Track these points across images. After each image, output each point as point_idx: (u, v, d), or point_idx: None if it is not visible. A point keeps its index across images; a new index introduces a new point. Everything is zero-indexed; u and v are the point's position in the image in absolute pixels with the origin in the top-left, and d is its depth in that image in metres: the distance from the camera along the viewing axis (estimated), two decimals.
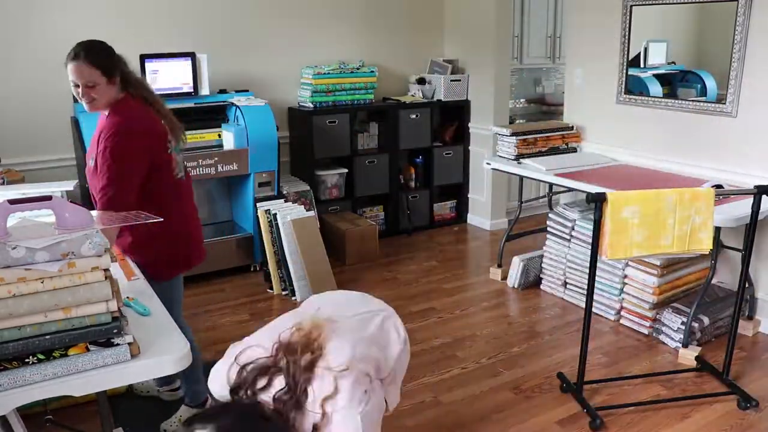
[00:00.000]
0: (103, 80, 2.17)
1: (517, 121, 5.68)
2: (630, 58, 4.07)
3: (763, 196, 2.68)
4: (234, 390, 1.50)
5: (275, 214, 3.96)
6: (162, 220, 2.00)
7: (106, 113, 2.26)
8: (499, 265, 4.32)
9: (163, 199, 2.30)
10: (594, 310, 3.47)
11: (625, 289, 3.54)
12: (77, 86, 2.18)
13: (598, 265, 3.18)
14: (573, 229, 3.80)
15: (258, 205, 4.11)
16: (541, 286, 4.11)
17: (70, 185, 2.56)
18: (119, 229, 2.24)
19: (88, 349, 1.43)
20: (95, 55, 2.16)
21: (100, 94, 2.19)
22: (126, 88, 2.26)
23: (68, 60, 2.17)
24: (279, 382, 1.47)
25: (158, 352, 1.52)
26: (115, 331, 1.46)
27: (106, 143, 2.17)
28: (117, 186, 2.15)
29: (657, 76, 4.00)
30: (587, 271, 2.77)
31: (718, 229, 2.99)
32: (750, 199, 2.73)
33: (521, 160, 4.06)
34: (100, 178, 2.16)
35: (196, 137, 4.19)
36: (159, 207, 2.16)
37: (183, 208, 2.43)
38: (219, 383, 1.56)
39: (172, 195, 2.36)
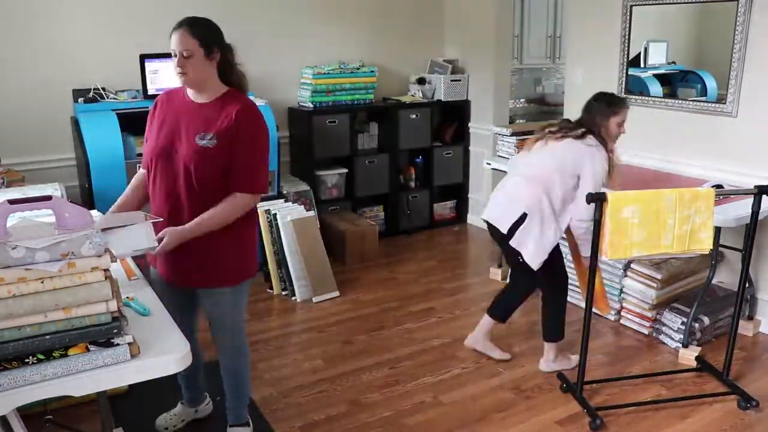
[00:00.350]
0: (201, 52, 2.11)
1: (517, 121, 5.68)
2: (630, 58, 4.07)
3: (764, 196, 2.68)
4: None
5: (275, 214, 3.96)
6: (162, 220, 2.02)
7: (207, 99, 2.20)
8: (499, 265, 4.31)
9: None
10: (594, 310, 3.46)
11: (624, 290, 3.54)
12: (175, 56, 2.13)
13: (598, 265, 3.18)
14: None
15: (258, 205, 4.10)
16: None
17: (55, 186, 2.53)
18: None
19: (88, 349, 1.43)
20: (197, 27, 2.15)
21: (194, 67, 2.11)
22: (228, 82, 2.24)
23: (173, 29, 2.18)
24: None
25: (158, 352, 1.52)
26: (115, 331, 1.46)
27: (253, 123, 2.15)
28: (264, 170, 2.18)
29: (657, 76, 4.01)
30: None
31: (718, 229, 2.99)
32: (750, 199, 2.73)
33: None
34: (245, 159, 2.12)
35: None
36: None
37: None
38: None
39: None
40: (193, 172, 2.10)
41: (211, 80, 2.18)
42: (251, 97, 2.39)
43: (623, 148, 4.10)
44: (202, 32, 2.14)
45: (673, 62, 3.95)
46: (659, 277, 3.37)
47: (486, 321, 3.20)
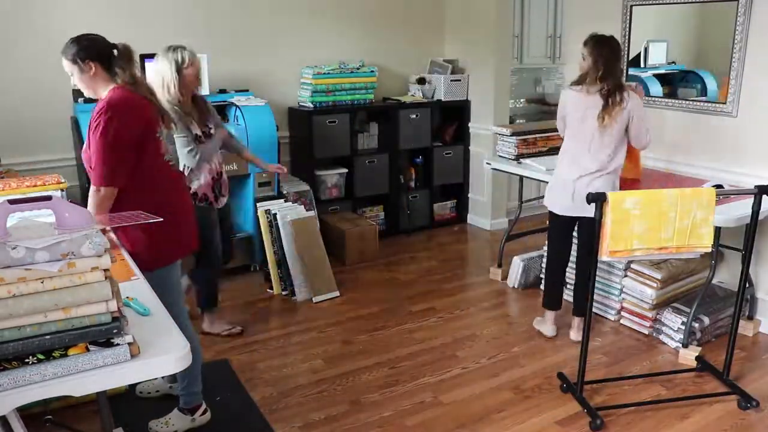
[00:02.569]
0: (75, 68, 2.31)
1: (517, 121, 5.68)
2: (630, 58, 4.07)
3: (764, 196, 2.68)
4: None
5: (275, 214, 3.96)
6: (162, 219, 2.01)
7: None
8: (499, 265, 4.32)
9: (156, 181, 2.36)
10: (594, 310, 3.47)
11: (624, 290, 3.54)
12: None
13: (598, 265, 3.18)
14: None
15: (258, 205, 4.10)
16: (541, 286, 4.11)
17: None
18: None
19: (88, 349, 1.43)
20: (65, 49, 2.35)
21: (78, 81, 2.34)
22: (116, 81, 2.33)
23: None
24: None
25: (158, 352, 1.52)
26: (115, 331, 1.46)
27: (93, 121, 2.24)
28: (107, 166, 2.22)
29: (657, 76, 4.01)
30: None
31: (718, 229, 2.99)
32: (750, 199, 2.73)
33: (521, 160, 4.07)
34: (93, 156, 2.23)
35: None
36: (151, 189, 2.32)
37: (178, 195, 2.48)
38: None
39: (165, 179, 2.41)
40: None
41: (96, 85, 2.34)
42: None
43: None
44: (68, 51, 2.34)
45: (673, 62, 3.94)
46: (659, 277, 3.37)
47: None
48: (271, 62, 4.71)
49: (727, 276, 3.65)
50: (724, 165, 3.58)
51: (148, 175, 2.32)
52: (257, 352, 3.31)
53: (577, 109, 3.11)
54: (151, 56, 3.98)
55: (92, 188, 2.25)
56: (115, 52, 2.33)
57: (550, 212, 3.33)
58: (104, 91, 2.32)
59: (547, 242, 3.54)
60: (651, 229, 2.56)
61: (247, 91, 4.46)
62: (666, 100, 3.90)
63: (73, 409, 2.67)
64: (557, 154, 4.24)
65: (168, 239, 2.39)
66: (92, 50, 2.31)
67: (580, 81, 3.12)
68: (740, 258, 2.88)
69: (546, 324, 3.47)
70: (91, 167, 2.28)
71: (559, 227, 3.33)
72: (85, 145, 2.31)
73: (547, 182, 3.96)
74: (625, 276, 3.52)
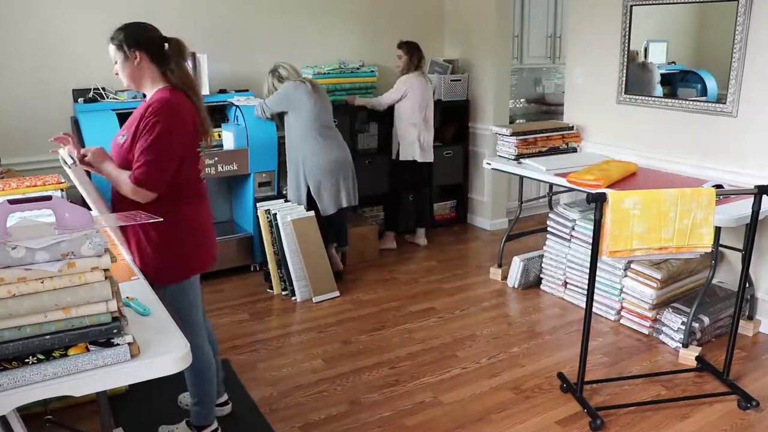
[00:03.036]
0: (120, 55, 2.21)
1: (517, 121, 5.68)
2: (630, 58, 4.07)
3: (764, 196, 2.68)
4: None
5: (275, 214, 3.96)
6: (162, 219, 1.97)
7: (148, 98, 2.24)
8: (499, 265, 4.32)
9: (187, 195, 2.26)
10: (594, 310, 3.47)
11: (624, 290, 3.54)
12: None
13: (598, 265, 3.18)
14: (573, 229, 3.80)
15: (258, 205, 4.11)
16: (541, 286, 4.11)
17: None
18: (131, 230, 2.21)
19: (88, 349, 1.43)
20: (113, 34, 2.25)
21: (120, 70, 2.23)
22: (168, 79, 2.23)
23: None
24: None
25: (158, 352, 1.52)
26: (115, 331, 1.46)
27: (150, 117, 2.12)
28: (155, 169, 2.11)
29: None
30: (587, 271, 2.77)
31: (718, 229, 2.99)
32: (750, 199, 2.73)
33: (521, 160, 4.07)
34: (141, 156, 2.11)
35: None
36: (181, 201, 2.22)
37: (205, 206, 2.39)
38: None
39: (195, 194, 2.31)
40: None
41: (141, 76, 2.24)
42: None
43: (623, 148, 4.12)
44: (115, 36, 2.24)
45: (673, 62, 3.94)
46: (659, 277, 3.37)
47: None
48: (271, 62, 4.68)
49: (727, 276, 3.65)
50: (724, 165, 3.58)
51: (184, 187, 2.23)
52: (257, 352, 3.31)
53: None
54: None
55: (130, 186, 2.11)
56: (166, 46, 2.23)
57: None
58: (152, 88, 2.22)
59: None
60: (651, 229, 2.56)
61: (247, 91, 4.46)
62: (666, 100, 3.89)
63: (73, 409, 2.67)
64: (557, 154, 4.27)
65: (180, 254, 2.27)
66: (141, 38, 2.22)
67: None
68: (740, 258, 2.88)
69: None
70: (123, 165, 2.18)
71: None
72: (122, 139, 2.20)
73: (548, 182, 3.98)
74: (625, 276, 3.52)
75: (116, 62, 2.22)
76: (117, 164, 2.20)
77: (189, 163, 2.24)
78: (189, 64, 2.29)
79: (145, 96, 2.28)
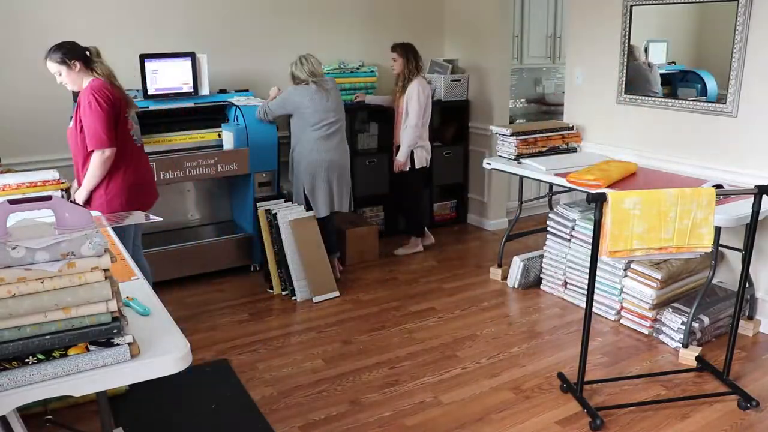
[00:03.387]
0: (63, 68, 2.93)
1: (517, 121, 5.68)
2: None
3: (764, 196, 2.68)
4: None
5: (275, 214, 3.96)
6: (162, 219, 2.04)
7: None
8: (499, 265, 4.32)
9: (126, 150, 3.04)
10: (594, 310, 3.46)
11: (624, 290, 3.54)
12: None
13: (598, 265, 3.18)
14: (573, 229, 3.80)
15: (258, 205, 4.11)
16: (541, 286, 4.11)
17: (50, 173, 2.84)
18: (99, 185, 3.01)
19: (88, 349, 1.43)
20: (50, 54, 2.94)
21: (65, 78, 2.98)
22: (96, 74, 2.99)
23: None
24: None
25: (158, 352, 1.52)
26: (115, 331, 1.46)
27: (85, 99, 2.90)
28: (105, 131, 2.91)
29: None
30: (587, 271, 2.77)
31: (718, 229, 2.99)
32: (750, 199, 2.73)
33: (521, 160, 4.06)
34: (89, 128, 2.90)
35: (195, 137, 4.20)
36: (125, 155, 3.03)
37: (144, 161, 3.22)
38: None
39: (132, 149, 3.10)
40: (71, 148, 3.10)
41: (83, 81, 3.00)
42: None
43: (623, 148, 4.12)
44: (55, 54, 2.94)
45: (673, 62, 3.94)
46: (659, 277, 3.37)
47: None
48: (271, 62, 4.70)
49: (727, 276, 3.65)
50: (724, 165, 3.58)
51: (120, 144, 2.99)
52: (257, 352, 3.31)
53: None
54: (151, 56, 4.01)
55: (96, 153, 2.91)
56: (88, 53, 2.97)
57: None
58: (86, 83, 2.97)
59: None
60: (651, 229, 2.56)
61: (247, 91, 4.46)
62: (666, 100, 3.89)
63: (73, 409, 2.67)
64: (557, 154, 4.27)
65: (121, 193, 3.06)
66: (75, 51, 2.96)
67: None
68: (740, 258, 2.88)
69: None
70: (77, 143, 2.97)
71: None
72: (72, 125, 3.00)
73: (548, 182, 3.98)
74: (625, 276, 3.52)
75: (60, 74, 2.95)
76: (72, 147, 3.04)
77: (121, 126, 3.01)
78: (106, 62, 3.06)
79: None
